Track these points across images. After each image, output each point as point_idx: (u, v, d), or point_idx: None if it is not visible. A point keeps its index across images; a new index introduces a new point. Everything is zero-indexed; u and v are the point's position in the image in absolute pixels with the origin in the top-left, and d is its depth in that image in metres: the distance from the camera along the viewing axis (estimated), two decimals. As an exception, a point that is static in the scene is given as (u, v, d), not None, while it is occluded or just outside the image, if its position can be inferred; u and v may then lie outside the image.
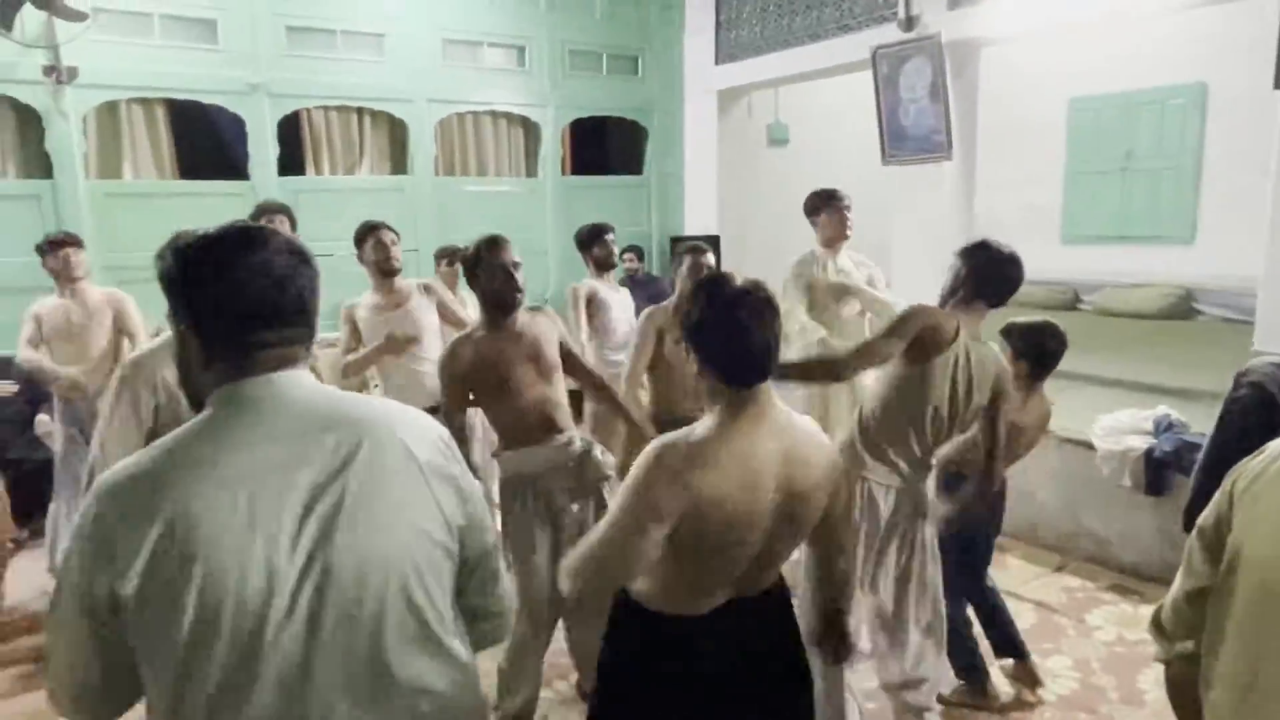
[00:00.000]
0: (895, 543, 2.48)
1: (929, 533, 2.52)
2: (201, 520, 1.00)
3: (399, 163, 6.45)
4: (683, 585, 1.62)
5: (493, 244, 2.57)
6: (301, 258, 1.13)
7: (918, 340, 2.33)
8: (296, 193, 5.69)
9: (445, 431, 1.23)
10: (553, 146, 7.01)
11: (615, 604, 1.74)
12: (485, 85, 6.63)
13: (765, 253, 7.21)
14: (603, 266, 4.43)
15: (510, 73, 6.75)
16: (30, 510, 4.41)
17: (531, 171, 7.04)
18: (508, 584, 1.34)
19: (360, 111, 6.20)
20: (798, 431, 1.62)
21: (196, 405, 1.14)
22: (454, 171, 6.69)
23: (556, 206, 6.97)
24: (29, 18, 4.79)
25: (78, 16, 4.79)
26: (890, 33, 5.71)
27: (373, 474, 1.09)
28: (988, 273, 2.40)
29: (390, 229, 3.72)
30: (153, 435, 2.21)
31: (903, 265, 5.89)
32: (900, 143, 5.76)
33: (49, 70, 4.97)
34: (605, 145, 8.10)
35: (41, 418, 4.69)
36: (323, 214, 5.79)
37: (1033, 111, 7.75)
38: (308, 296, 1.13)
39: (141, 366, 2.19)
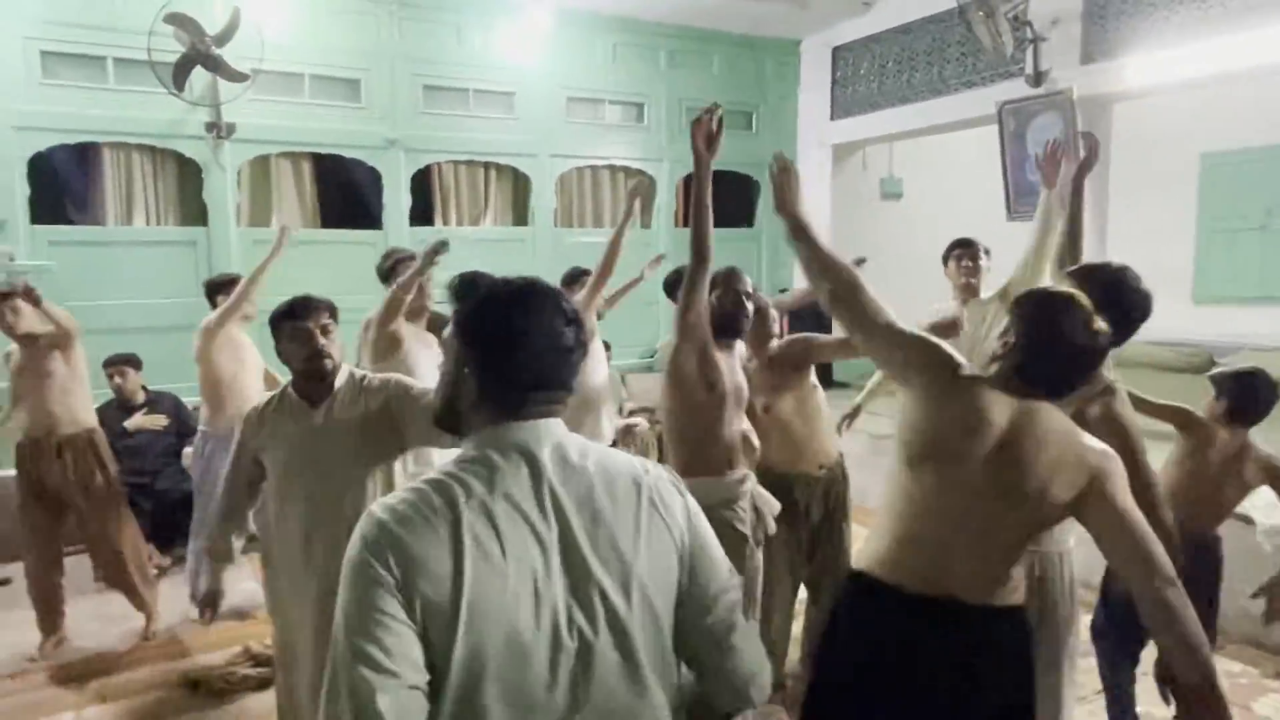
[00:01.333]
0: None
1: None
2: (471, 557, 1.04)
3: (521, 214, 6.67)
4: (897, 536, 1.70)
5: (732, 273, 2.73)
6: (579, 326, 1.18)
7: None
8: (425, 243, 5.92)
9: (664, 472, 1.24)
10: (667, 199, 7.14)
11: (842, 583, 1.84)
12: (605, 141, 6.83)
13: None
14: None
15: (629, 128, 6.93)
16: (174, 539, 4.63)
17: (646, 224, 7.16)
18: (756, 635, 1.25)
19: (487, 166, 6.46)
20: (1059, 424, 1.67)
21: (451, 432, 1.22)
22: (572, 223, 6.87)
23: (670, 258, 7.04)
24: (196, 79, 5.19)
25: (240, 77, 5.17)
26: (1018, 88, 5.63)
27: (632, 519, 1.14)
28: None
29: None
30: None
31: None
32: (1027, 198, 5.64)
33: (210, 126, 5.36)
34: (717, 198, 8.16)
35: (188, 450, 4.96)
36: (449, 264, 6.02)
37: (1162, 166, 7.49)
38: (578, 362, 1.19)
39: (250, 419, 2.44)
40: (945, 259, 3.87)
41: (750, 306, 2.72)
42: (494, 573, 1.04)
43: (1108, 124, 5.63)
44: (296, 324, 2.31)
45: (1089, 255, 5.51)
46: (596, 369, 3.75)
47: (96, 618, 4.09)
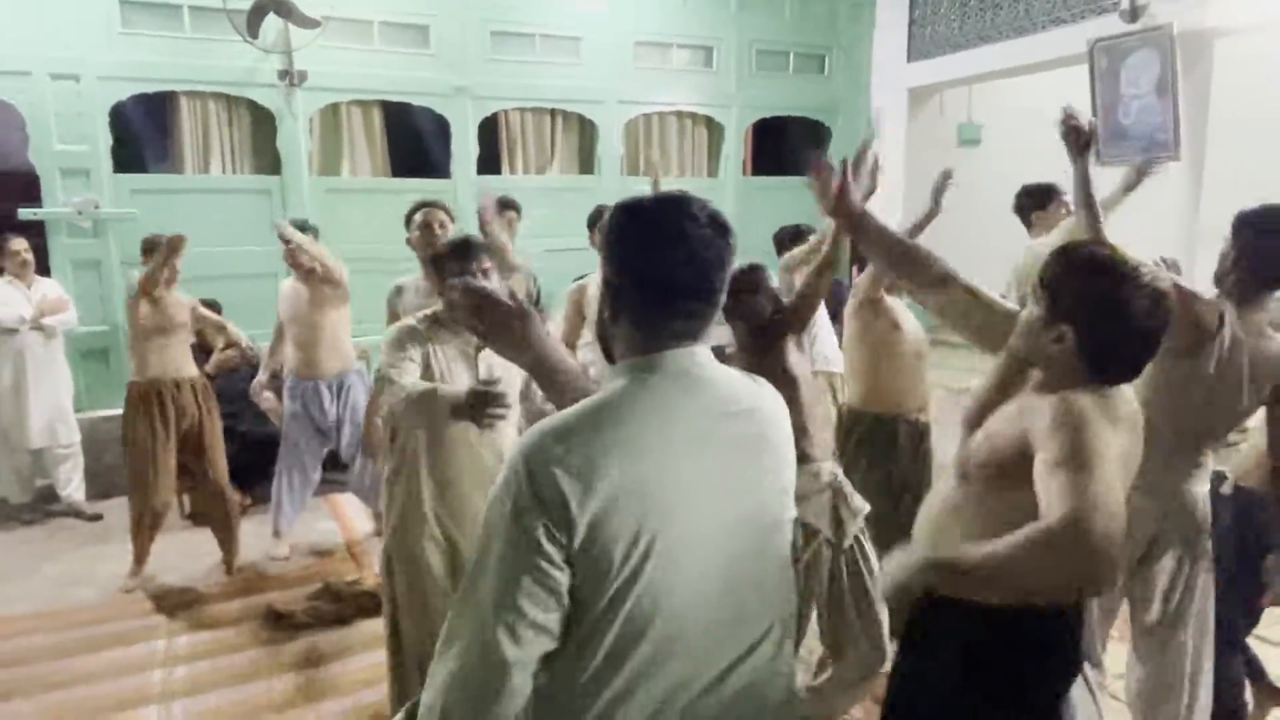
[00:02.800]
0: (1169, 561, 2.26)
1: (1205, 556, 2.29)
2: (619, 485, 1.02)
3: (587, 163, 6.60)
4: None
5: (760, 271, 2.59)
6: (719, 231, 1.13)
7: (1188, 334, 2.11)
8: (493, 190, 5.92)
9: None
10: (735, 146, 6.99)
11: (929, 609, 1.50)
12: (672, 86, 6.68)
13: (950, 257, 6.90)
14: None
15: (697, 73, 6.77)
16: (256, 479, 4.78)
17: (713, 172, 7.04)
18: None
19: (554, 113, 6.40)
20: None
21: (608, 356, 1.19)
22: (638, 171, 6.77)
23: (737, 207, 6.93)
24: (269, 26, 5.21)
25: (311, 24, 5.18)
26: (1111, 24, 5.32)
27: (768, 456, 1.15)
28: (1265, 250, 2.14)
29: None
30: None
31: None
32: (1118, 143, 5.35)
33: (283, 74, 5.39)
34: (784, 146, 7.99)
35: (267, 394, 5.09)
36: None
37: (1269, 112, 7.01)
38: (713, 272, 1.13)
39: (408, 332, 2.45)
40: (1035, 207, 3.74)
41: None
42: (660, 493, 1.04)
43: (1209, 63, 5.29)
44: (461, 265, 2.38)
45: (1182, 208, 5.27)
46: None
47: (183, 554, 4.27)
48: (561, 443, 1.03)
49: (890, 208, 7.25)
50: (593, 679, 1.03)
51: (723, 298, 1.15)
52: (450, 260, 2.40)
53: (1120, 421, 1.39)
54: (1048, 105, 7.07)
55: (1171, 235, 5.07)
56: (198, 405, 4.04)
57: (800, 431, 2.39)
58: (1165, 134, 5.14)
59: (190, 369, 4.07)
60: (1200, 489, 2.28)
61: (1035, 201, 3.83)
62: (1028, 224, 3.94)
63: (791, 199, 7.20)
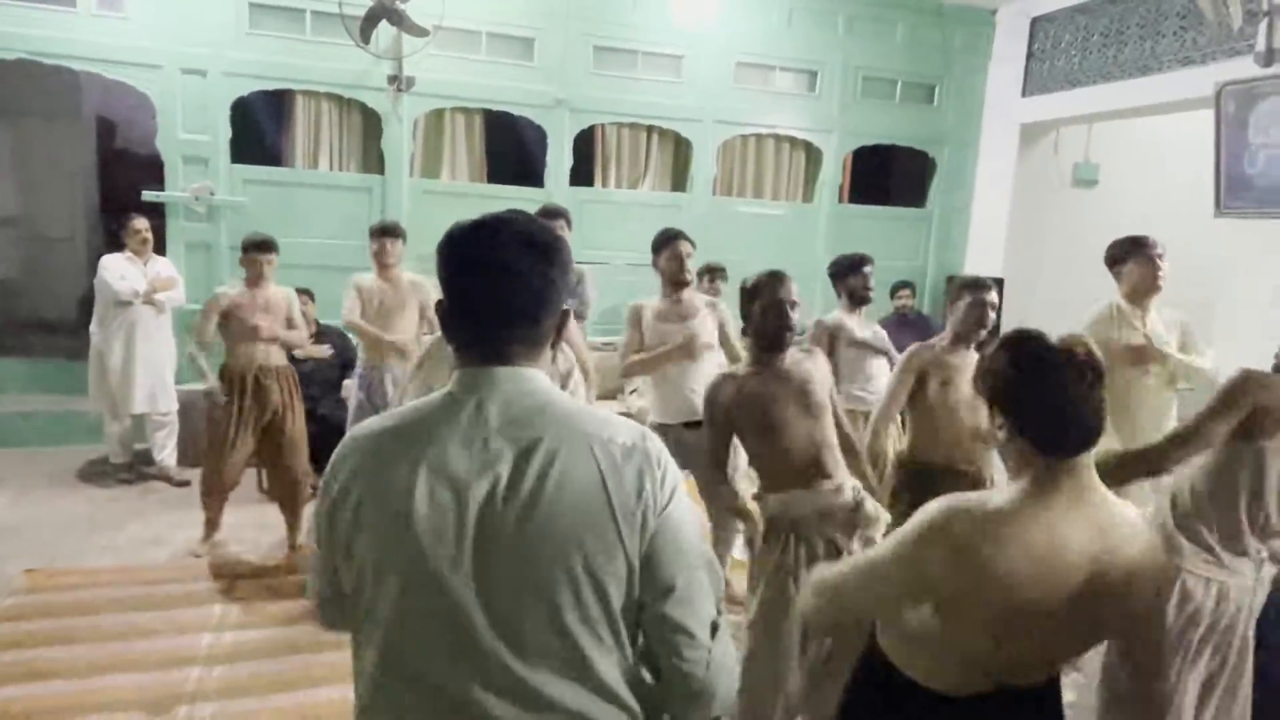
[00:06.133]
0: (1210, 644, 2.12)
1: (1249, 636, 2.14)
2: (382, 489, 1.09)
3: (679, 180, 6.62)
4: (947, 659, 1.45)
5: (774, 278, 2.50)
6: (536, 253, 1.11)
7: (1251, 417, 1.98)
8: (583, 202, 6.04)
9: (653, 448, 1.11)
10: (833, 173, 6.87)
11: (863, 657, 1.61)
12: (772, 108, 6.64)
13: (1053, 301, 6.58)
14: (857, 300, 4.14)
15: (799, 97, 6.70)
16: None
17: (808, 197, 6.94)
18: (722, 656, 1.12)
19: (650, 129, 6.45)
20: (1115, 517, 1.39)
21: None
22: (731, 192, 6.76)
23: (830, 233, 6.82)
24: (382, 34, 5.46)
25: (421, 32, 5.40)
26: (1243, 67, 4.98)
27: (554, 486, 1.05)
28: None
29: (688, 240, 3.72)
30: None
31: (1230, 331, 5.12)
32: (1242, 193, 5.00)
33: (392, 79, 5.64)
34: (887, 174, 7.82)
35: (348, 383, 5.32)
36: (605, 224, 6.14)
37: None
38: (520, 295, 1.11)
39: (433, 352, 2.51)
40: (1120, 259, 3.48)
41: (795, 317, 2.48)
42: (416, 515, 1.05)
43: (1353, 112, 4.89)
44: None
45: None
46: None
47: (255, 526, 4.49)
48: (354, 437, 1.19)
49: (991, 246, 6.99)
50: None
51: (546, 318, 1.13)
52: None
53: (1019, 543, 1.33)
54: (1171, 147, 6.76)
55: (1294, 297, 4.69)
56: (283, 396, 4.19)
57: (819, 447, 2.45)
58: (1295, 187, 4.77)
59: (279, 358, 4.22)
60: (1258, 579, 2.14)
61: (1114, 255, 3.54)
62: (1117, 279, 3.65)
63: (887, 228, 7.05)
